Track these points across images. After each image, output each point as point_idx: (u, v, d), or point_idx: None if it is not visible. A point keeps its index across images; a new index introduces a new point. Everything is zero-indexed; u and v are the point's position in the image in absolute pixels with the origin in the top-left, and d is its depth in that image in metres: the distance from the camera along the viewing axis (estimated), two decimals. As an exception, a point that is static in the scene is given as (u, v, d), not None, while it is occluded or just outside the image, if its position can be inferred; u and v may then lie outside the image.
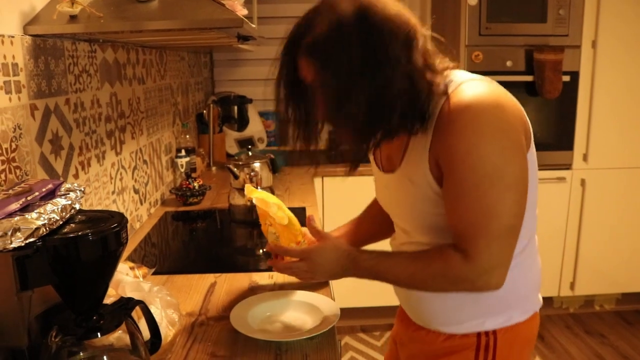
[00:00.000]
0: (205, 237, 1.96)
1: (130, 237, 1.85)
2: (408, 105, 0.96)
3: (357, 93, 0.95)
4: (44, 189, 0.81)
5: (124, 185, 1.81)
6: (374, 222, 1.39)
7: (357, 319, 3.17)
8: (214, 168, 3.00)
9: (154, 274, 1.49)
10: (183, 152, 2.48)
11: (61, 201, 0.81)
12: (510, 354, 1.13)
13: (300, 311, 1.28)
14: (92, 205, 1.53)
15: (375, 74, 0.94)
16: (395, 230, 1.26)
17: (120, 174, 1.78)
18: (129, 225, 1.83)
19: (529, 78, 2.92)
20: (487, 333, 1.11)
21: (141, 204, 2.00)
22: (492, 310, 1.10)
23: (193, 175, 2.37)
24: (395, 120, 0.97)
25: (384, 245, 1.29)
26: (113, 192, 1.70)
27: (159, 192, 2.26)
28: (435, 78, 0.99)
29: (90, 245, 0.79)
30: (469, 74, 1.04)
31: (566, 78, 2.93)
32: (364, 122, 0.98)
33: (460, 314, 1.11)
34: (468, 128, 0.93)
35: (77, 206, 0.85)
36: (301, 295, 1.35)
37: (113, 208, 1.70)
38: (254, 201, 1.27)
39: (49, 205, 0.78)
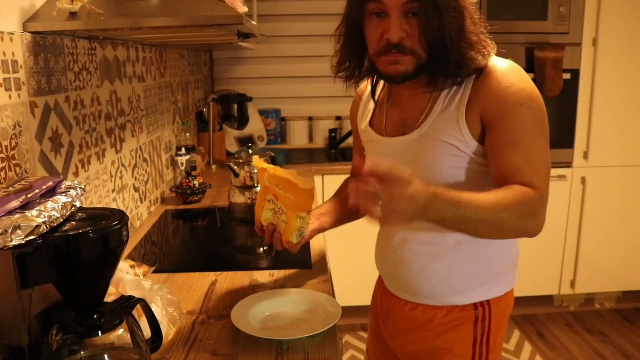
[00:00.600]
0: (206, 236, 1.95)
1: (130, 235, 1.84)
2: (478, 51, 1.10)
3: (453, 20, 1.06)
4: (44, 187, 0.81)
5: (124, 184, 1.80)
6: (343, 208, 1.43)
7: (357, 317, 3.16)
8: (214, 166, 2.99)
9: (154, 272, 1.48)
10: (183, 151, 2.47)
11: (62, 199, 0.80)
12: (500, 323, 1.25)
13: (302, 309, 1.28)
14: (93, 204, 1.53)
15: (460, 16, 1.08)
16: None
17: (121, 172, 1.77)
18: (129, 223, 1.83)
19: (530, 76, 2.90)
20: (482, 304, 1.21)
21: (141, 202, 2.00)
22: (487, 279, 1.21)
23: (193, 173, 2.37)
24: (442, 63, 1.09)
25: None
26: (113, 190, 1.70)
27: (159, 190, 2.26)
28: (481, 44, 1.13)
29: (91, 243, 0.79)
30: None
31: (567, 76, 2.93)
32: (441, 48, 1.08)
33: (460, 283, 1.20)
34: (516, 85, 1.07)
35: (78, 204, 0.84)
36: (302, 293, 1.34)
37: (113, 206, 1.69)
38: (266, 175, 1.24)
39: (50, 202, 0.77)
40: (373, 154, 1.29)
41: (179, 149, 2.49)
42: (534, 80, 2.89)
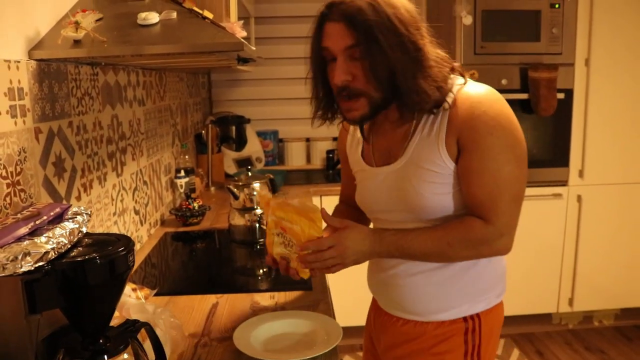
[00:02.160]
0: (206, 258, 1.97)
1: (130, 258, 1.85)
2: (434, 81, 1.12)
3: (394, 60, 1.08)
4: (52, 213, 0.82)
5: (124, 207, 1.82)
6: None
7: (356, 337, 3.15)
8: (212, 188, 3.01)
9: (155, 295, 1.49)
10: (182, 173, 2.49)
11: (69, 225, 0.82)
12: (491, 335, 1.27)
13: (303, 331, 1.29)
14: (94, 227, 1.54)
15: (407, 50, 1.09)
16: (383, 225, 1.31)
17: (121, 195, 1.79)
18: (129, 246, 1.84)
19: (524, 96, 2.95)
20: (472, 317, 1.24)
21: (141, 224, 2.01)
22: (475, 294, 1.24)
23: (192, 195, 2.38)
24: (406, 95, 1.12)
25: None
26: (114, 214, 1.71)
27: (158, 212, 2.27)
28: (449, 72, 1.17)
29: (98, 268, 0.80)
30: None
31: (560, 95, 2.96)
32: (389, 86, 1.12)
33: (449, 300, 1.24)
34: (487, 114, 1.10)
35: (84, 229, 0.86)
36: (303, 315, 1.35)
37: (114, 229, 1.70)
38: (271, 209, 1.25)
39: (58, 229, 0.79)
40: (362, 183, 1.33)
41: (177, 171, 2.51)
42: (528, 100, 2.93)
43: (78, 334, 0.85)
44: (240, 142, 3.36)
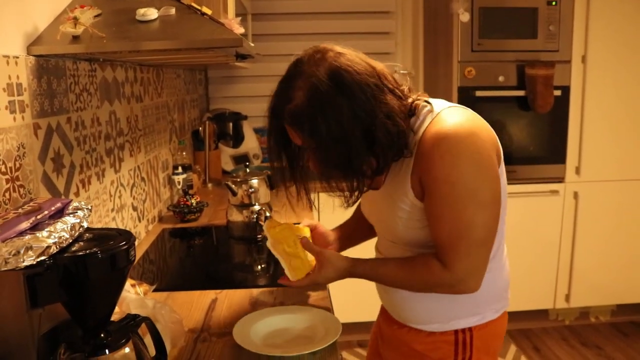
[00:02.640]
0: (204, 254, 1.97)
1: (129, 254, 1.85)
2: (392, 143, 1.08)
3: (342, 151, 1.07)
4: (52, 208, 0.83)
5: (122, 203, 1.81)
6: (357, 228, 1.50)
7: (354, 333, 3.17)
8: (210, 185, 3.01)
9: (154, 291, 1.49)
10: (180, 169, 2.49)
11: (70, 220, 0.82)
12: (484, 347, 1.25)
13: (302, 326, 1.29)
14: (93, 223, 1.54)
15: (357, 130, 1.05)
16: (379, 238, 1.37)
17: (120, 191, 1.79)
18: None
19: (521, 93, 2.96)
20: (463, 330, 1.23)
21: (139, 221, 2.01)
22: (467, 311, 1.22)
23: (190, 192, 2.38)
24: (382, 162, 1.11)
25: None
26: (112, 210, 1.71)
27: (156, 209, 2.27)
28: (415, 117, 1.13)
29: (100, 263, 0.80)
30: (444, 101, 1.16)
31: (557, 92, 2.98)
32: (353, 171, 1.10)
33: (439, 315, 1.23)
34: (445, 157, 1.05)
35: (85, 224, 0.86)
36: (302, 310, 1.35)
37: (112, 225, 1.70)
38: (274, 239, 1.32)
39: (59, 223, 0.79)
40: (363, 199, 1.35)
41: (175, 167, 2.51)
42: (525, 97, 2.94)
43: (79, 328, 0.85)
44: (237, 139, 3.36)
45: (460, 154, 1.05)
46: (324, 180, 1.16)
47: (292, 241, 1.30)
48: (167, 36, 1.27)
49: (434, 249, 1.13)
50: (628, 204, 3.16)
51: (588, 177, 3.11)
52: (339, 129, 1.05)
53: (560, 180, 3.11)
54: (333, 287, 2.32)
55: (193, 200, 2.25)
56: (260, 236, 1.99)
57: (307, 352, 1.16)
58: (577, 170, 3.11)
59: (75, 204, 0.88)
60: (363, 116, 1.05)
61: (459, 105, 1.16)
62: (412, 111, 1.13)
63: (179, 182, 2.46)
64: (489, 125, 1.14)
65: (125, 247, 0.83)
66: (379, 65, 1.13)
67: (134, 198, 1.94)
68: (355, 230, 1.50)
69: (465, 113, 1.12)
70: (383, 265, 1.22)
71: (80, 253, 0.79)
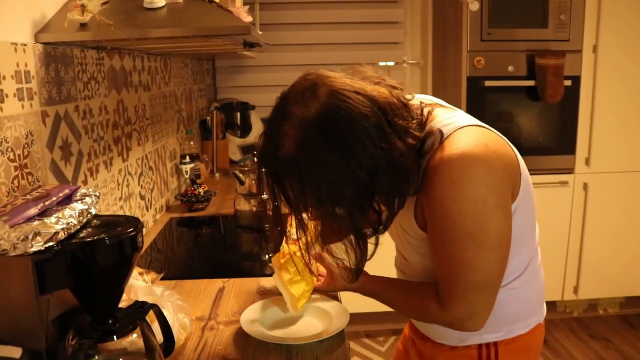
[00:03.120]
0: (212, 243, 1.97)
1: (137, 243, 1.86)
2: (398, 188, 0.96)
3: (341, 203, 0.94)
4: (60, 194, 0.83)
5: (130, 192, 1.82)
6: None
7: (361, 324, 3.17)
8: (217, 174, 3.01)
9: (162, 279, 1.50)
10: (187, 159, 2.49)
11: (78, 206, 0.82)
12: None
13: (310, 315, 1.29)
14: (100, 212, 1.54)
15: (353, 186, 0.91)
16: (397, 255, 1.29)
17: (127, 180, 1.79)
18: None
19: (531, 83, 2.93)
20: (487, 345, 1.14)
21: (147, 210, 2.01)
22: (491, 328, 1.09)
23: (197, 181, 2.38)
24: (385, 215, 0.99)
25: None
26: (120, 198, 1.71)
27: (164, 198, 2.27)
28: (418, 142, 0.96)
29: (107, 249, 0.80)
30: (457, 117, 1.02)
31: (567, 82, 2.95)
32: (355, 226, 0.97)
33: (455, 332, 1.12)
34: (446, 189, 0.93)
35: (93, 211, 0.86)
36: (310, 299, 1.35)
37: (120, 214, 1.71)
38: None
39: (67, 209, 0.79)
40: None
41: (183, 157, 2.51)
42: (535, 87, 2.91)
43: (87, 314, 0.85)
44: (245, 129, 3.35)
45: (463, 186, 0.92)
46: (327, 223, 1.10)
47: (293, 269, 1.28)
48: (174, 23, 1.27)
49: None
50: (638, 195, 3.13)
51: (598, 168, 3.09)
52: (334, 179, 0.90)
53: (570, 171, 3.09)
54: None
55: (201, 190, 2.26)
56: (267, 225, 1.99)
57: (314, 340, 1.16)
58: (587, 162, 3.09)
59: (83, 190, 0.88)
60: (359, 171, 0.90)
61: (480, 123, 1.01)
62: (423, 141, 0.98)
63: (186, 172, 2.46)
64: (510, 147, 1.01)
65: (133, 233, 0.83)
66: (382, 96, 0.94)
67: (141, 187, 1.95)
68: None
69: (479, 136, 0.96)
70: (387, 290, 1.18)
71: (88, 239, 0.79)
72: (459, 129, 0.97)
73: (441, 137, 0.97)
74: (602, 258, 3.18)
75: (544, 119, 3.02)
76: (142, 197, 1.96)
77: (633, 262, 3.20)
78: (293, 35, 3.48)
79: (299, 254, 1.22)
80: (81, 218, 0.81)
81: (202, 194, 2.25)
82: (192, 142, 2.65)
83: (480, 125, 1.01)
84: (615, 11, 2.92)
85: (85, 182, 1.44)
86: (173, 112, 2.47)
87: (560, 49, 2.91)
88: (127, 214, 1.78)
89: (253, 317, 1.26)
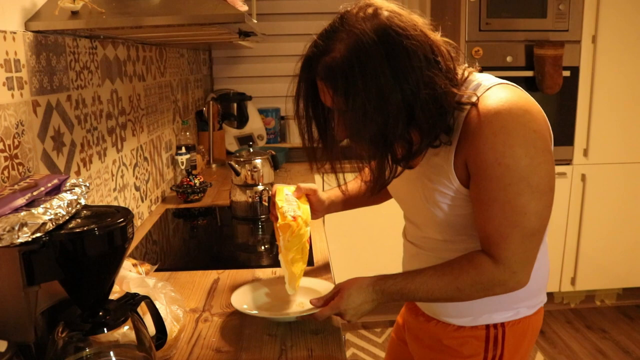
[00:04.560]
0: (207, 234, 1.96)
1: (132, 234, 1.84)
2: (432, 125, 0.97)
3: (377, 120, 0.95)
4: (49, 184, 0.81)
5: (125, 182, 1.80)
6: (359, 196, 1.42)
7: (358, 315, 3.17)
8: (213, 165, 2.99)
9: (156, 271, 1.49)
10: (183, 150, 2.47)
11: (67, 196, 0.80)
12: (516, 344, 1.17)
13: (303, 296, 1.28)
14: (94, 202, 1.53)
15: (396, 100, 0.93)
16: (406, 224, 1.28)
17: (122, 171, 1.77)
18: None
19: (529, 73, 2.92)
20: (495, 325, 1.15)
21: (142, 201, 2.00)
22: (501, 305, 1.13)
23: (193, 172, 2.37)
24: (417, 145, 0.99)
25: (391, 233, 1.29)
26: (114, 189, 1.70)
27: (159, 189, 2.26)
28: (459, 90, 0.99)
29: (97, 240, 0.79)
30: (493, 77, 1.05)
31: (566, 73, 2.93)
32: (384, 148, 0.98)
33: (470, 309, 1.14)
34: (498, 135, 0.94)
35: (83, 201, 0.84)
36: (303, 280, 1.33)
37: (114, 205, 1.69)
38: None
39: (55, 200, 0.77)
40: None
41: (179, 147, 2.49)
42: (533, 77, 2.90)
43: (77, 306, 0.84)
44: (241, 120, 3.34)
45: (515, 132, 0.94)
46: (352, 150, 1.04)
47: (300, 247, 1.27)
48: (168, 12, 1.25)
49: (473, 239, 1.05)
50: (636, 187, 3.12)
51: (596, 159, 3.07)
52: (376, 93, 0.92)
53: (568, 162, 3.08)
54: (337, 265, 2.31)
55: (196, 181, 2.24)
56: (263, 216, 1.98)
57: (306, 313, 1.14)
58: (585, 153, 3.07)
59: (72, 180, 0.87)
60: (405, 87, 0.92)
61: (510, 82, 1.04)
62: (459, 87, 1.00)
63: (182, 163, 2.44)
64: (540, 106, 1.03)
65: (123, 224, 0.81)
66: (436, 37, 0.99)
67: (136, 178, 1.93)
68: (354, 198, 1.42)
69: (517, 90, 1.01)
70: (419, 274, 1.07)
71: (77, 230, 0.78)
72: (498, 84, 1.01)
73: (480, 91, 1.00)
74: (600, 249, 3.18)
75: (542, 109, 3.00)
76: (137, 188, 1.94)
77: (630, 253, 3.20)
78: (290, 25, 3.45)
79: (299, 232, 1.23)
80: (70, 209, 0.79)
81: (197, 185, 2.23)
82: (188, 133, 2.63)
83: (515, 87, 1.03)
84: (614, 1, 2.89)
85: (78, 173, 1.43)
86: (169, 103, 2.45)
87: (559, 40, 2.89)
88: (122, 204, 1.76)
89: (245, 296, 1.26)
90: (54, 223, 0.75)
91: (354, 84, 0.93)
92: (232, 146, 3.26)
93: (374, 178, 1.04)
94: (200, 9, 1.24)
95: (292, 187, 1.38)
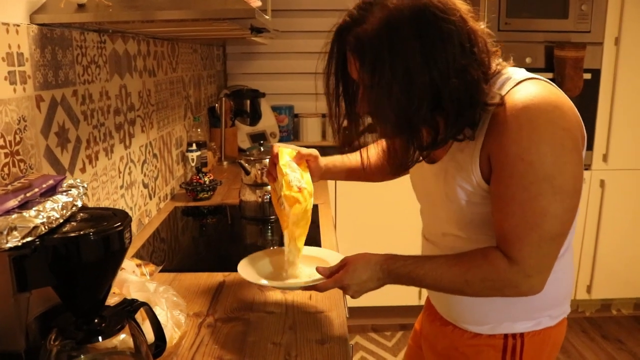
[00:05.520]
0: (215, 234, 1.92)
1: (138, 232, 1.81)
2: (459, 115, 0.93)
3: (400, 100, 0.91)
4: (44, 185, 0.77)
5: (132, 180, 1.77)
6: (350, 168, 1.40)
7: (368, 318, 3.12)
8: (225, 163, 2.96)
9: (161, 271, 1.45)
10: (194, 146, 2.44)
11: (62, 198, 0.76)
12: (535, 357, 1.11)
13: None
14: (100, 200, 1.50)
15: (424, 82, 0.89)
16: (424, 221, 1.24)
17: (129, 168, 1.74)
18: (137, 220, 1.80)
19: (549, 75, 2.84)
20: (514, 336, 1.09)
21: (150, 198, 1.97)
22: (522, 314, 1.08)
23: (204, 169, 2.33)
24: (442, 133, 0.95)
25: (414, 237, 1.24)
26: (121, 187, 1.67)
27: (169, 186, 2.22)
28: (491, 84, 0.96)
29: (92, 245, 0.75)
30: (524, 71, 1.00)
31: (587, 76, 2.85)
32: (408, 130, 0.96)
33: (490, 316, 1.09)
34: (523, 130, 0.89)
35: (79, 203, 0.80)
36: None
37: (121, 203, 1.66)
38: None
39: (49, 202, 0.74)
40: (414, 174, 1.23)
41: (189, 144, 2.45)
42: (553, 80, 2.82)
43: (71, 313, 0.80)
44: (254, 117, 3.29)
45: (542, 128, 0.89)
46: (376, 124, 1.01)
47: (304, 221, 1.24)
48: (177, 6, 1.21)
49: (496, 240, 0.98)
50: (657, 193, 3.04)
51: (616, 165, 2.99)
52: (403, 73, 0.89)
53: (587, 167, 3.00)
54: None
55: (206, 179, 2.20)
56: (273, 217, 1.94)
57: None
58: (605, 158, 3.00)
59: (70, 181, 0.83)
60: (434, 71, 0.88)
61: (543, 78, 0.99)
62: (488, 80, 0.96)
63: (192, 160, 2.41)
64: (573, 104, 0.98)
65: (120, 228, 0.77)
66: (475, 25, 0.94)
67: (144, 175, 1.90)
68: (347, 169, 1.40)
69: (549, 86, 0.96)
70: (429, 260, 1.04)
71: (72, 234, 0.74)
72: (528, 79, 0.96)
73: (509, 85, 0.95)
74: (617, 257, 3.10)
75: (575, 108, 2.93)
76: (145, 186, 1.91)
77: (649, 262, 3.12)
78: (306, 22, 3.40)
79: (307, 206, 1.21)
80: (64, 211, 0.75)
81: (207, 182, 2.20)
82: (199, 130, 2.60)
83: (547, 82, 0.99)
84: (639, 2, 2.81)
85: (83, 170, 1.40)
86: (180, 99, 2.42)
87: (581, 41, 2.81)
88: (129, 202, 1.73)
89: (250, 268, 1.26)
90: (46, 227, 0.71)
91: (381, 59, 0.90)
92: (245, 143, 3.22)
93: (395, 159, 1.02)
94: (210, 3, 1.20)
95: (293, 151, 1.32)
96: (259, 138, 3.19)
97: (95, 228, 0.76)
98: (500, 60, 1.02)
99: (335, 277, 1.07)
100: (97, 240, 0.75)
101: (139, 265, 1.37)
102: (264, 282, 1.20)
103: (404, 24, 0.88)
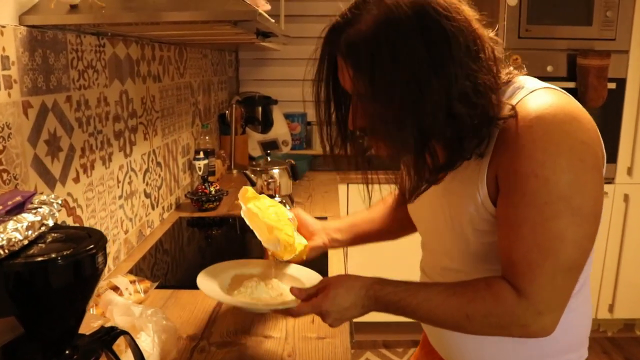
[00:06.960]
0: (218, 247, 1.84)
1: (138, 244, 1.74)
2: (471, 127, 0.81)
3: (408, 109, 0.80)
4: (9, 202, 0.70)
5: (133, 189, 1.70)
6: (372, 225, 1.25)
7: (379, 333, 3.02)
8: (234, 171, 2.88)
9: (157, 287, 1.37)
10: (201, 154, 2.36)
11: (28, 217, 0.69)
12: None
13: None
14: (95, 212, 1.42)
15: (434, 88, 0.78)
16: (424, 253, 1.12)
17: (130, 177, 1.67)
18: (137, 231, 1.73)
19: (571, 85, 2.72)
20: None
21: (153, 208, 1.89)
22: (535, 358, 0.94)
23: (211, 178, 2.26)
24: (456, 147, 0.84)
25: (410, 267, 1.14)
26: (120, 197, 1.59)
27: (173, 195, 2.15)
28: (500, 94, 0.84)
29: (60, 270, 0.67)
30: (538, 81, 0.89)
31: (612, 85, 2.73)
32: (422, 145, 0.83)
33: (498, 358, 0.96)
34: (537, 142, 0.78)
35: (51, 222, 0.73)
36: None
37: (120, 213, 1.59)
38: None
39: (11, 222, 0.66)
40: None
41: (197, 152, 2.38)
42: (575, 89, 2.71)
43: (37, 344, 0.72)
44: (266, 124, 3.22)
45: (560, 140, 0.78)
46: (372, 142, 0.90)
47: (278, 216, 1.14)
48: (174, 7, 1.14)
49: (502, 270, 0.85)
50: (684, 209, 2.91)
51: (641, 178, 2.87)
52: (409, 77, 0.78)
53: (610, 181, 2.88)
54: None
55: (212, 189, 2.13)
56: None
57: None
58: (629, 171, 2.87)
59: (42, 197, 0.75)
60: (443, 77, 0.78)
61: (558, 88, 0.87)
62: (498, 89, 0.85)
63: (199, 168, 2.33)
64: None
65: (93, 252, 0.69)
66: (481, 30, 0.84)
67: (147, 184, 1.83)
68: (364, 228, 1.24)
69: (565, 96, 0.85)
70: (424, 288, 0.90)
71: (38, 259, 0.66)
72: (542, 88, 0.85)
73: (522, 94, 0.84)
74: (642, 275, 2.96)
75: (594, 122, 2.81)
76: (147, 195, 1.84)
77: (675, 281, 2.98)
78: (320, 28, 3.32)
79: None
80: (30, 232, 0.68)
81: (213, 193, 2.12)
82: (207, 137, 2.53)
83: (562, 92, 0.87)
84: (667, 9, 2.69)
85: (76, 180, 1.32)
86: (188, 105, 2.35)
87: (605, 49, 2.69)
88: (128, 213, 1.66)
89: (215, 277, 1.13)
90: (6, 250, 0.63)
91: (381, 63, 0.79)
92: (255, 151, 3.15)
93: (407, 184, 0.90)
94: (209, 5, 1.13)
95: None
96: (270, 146, 3.11)
97: (65, 251, 0.68)
98: (511, 68, 0.91)
99: (313, 301, 0.93)
100: (65, 265, 0.67)
101: (132, 282, 1.30)
102: (227, 299, 1.06)
103: (404, 23, 0.78)
